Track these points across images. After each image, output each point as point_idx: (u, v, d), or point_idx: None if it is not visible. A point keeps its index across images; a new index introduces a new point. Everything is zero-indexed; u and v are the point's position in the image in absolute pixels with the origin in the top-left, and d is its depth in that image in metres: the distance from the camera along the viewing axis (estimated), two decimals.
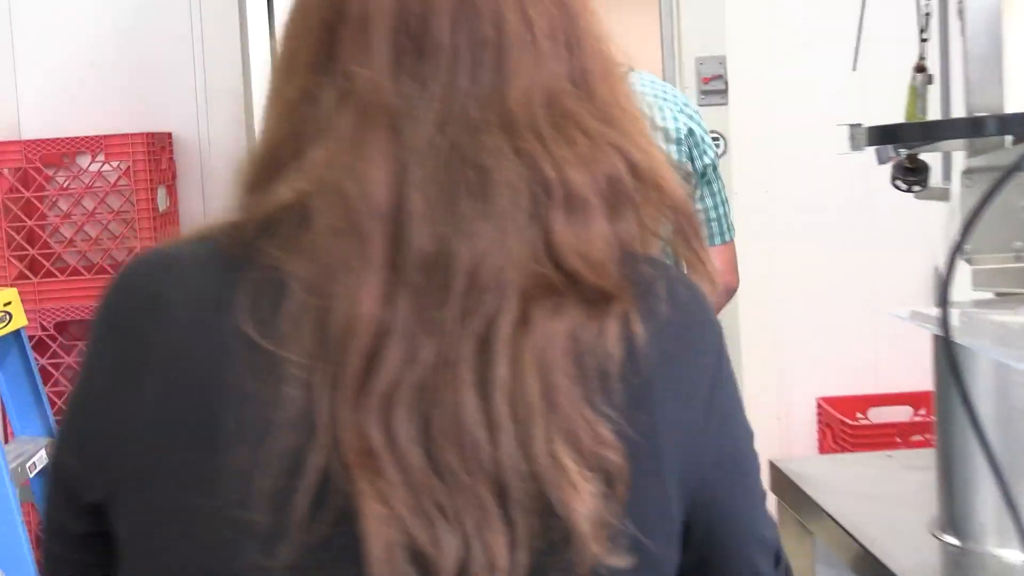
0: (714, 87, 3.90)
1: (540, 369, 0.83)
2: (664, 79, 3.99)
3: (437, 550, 0.81)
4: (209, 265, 0.90)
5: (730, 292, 2.59)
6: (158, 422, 0.87)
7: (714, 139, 3.69)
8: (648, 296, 0.90)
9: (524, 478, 0.82)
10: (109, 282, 0.95)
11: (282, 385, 0.83)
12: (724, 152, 3.90)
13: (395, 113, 0.88)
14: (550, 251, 0.86)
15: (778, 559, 0.98)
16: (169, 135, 3.82)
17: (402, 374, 0.83)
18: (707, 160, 2.50)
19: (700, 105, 3.88)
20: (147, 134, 3.58)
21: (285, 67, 0.96)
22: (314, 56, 0.93)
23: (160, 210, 3.64)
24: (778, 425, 3.92)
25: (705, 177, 2.50)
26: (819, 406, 3.92)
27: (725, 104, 3.91)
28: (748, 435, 0.97)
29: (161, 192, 3.68)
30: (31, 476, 2.91)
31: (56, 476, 1.00)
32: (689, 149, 2.46)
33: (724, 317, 2.41)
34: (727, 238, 2.59)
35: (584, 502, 0.82)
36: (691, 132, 2.46)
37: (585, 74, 0.93)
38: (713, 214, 2.54)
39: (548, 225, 0.87)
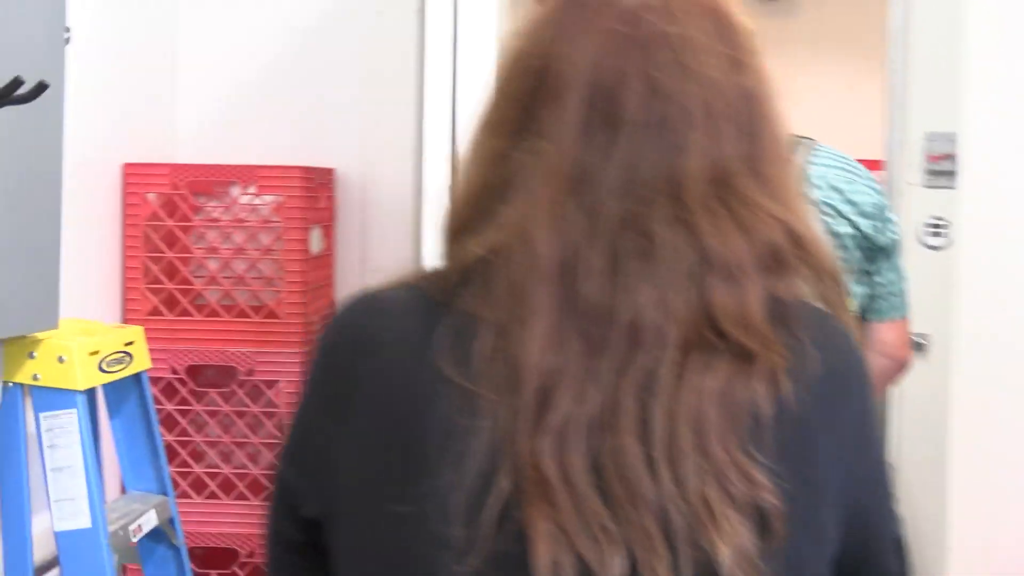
0: (942, 167, 3.42)
1: (693, 419, 0.92)
2: (887, 154, 3.53)
3: (603, 569, 0.89)
4: (415, 310, 1.00)
5: (903, 367, 2.63)
6: (369, 449, 0.98)
7: (936, 225, 3.22)
8: (798, 347, 0.97)
9: (683, 513, 0.90)
10: (329, 320, 1.08)
11: (475, 418, 0.94)
12: (949, 240, 3.42)
13: (578, 179, 0.96)
14: (706, 312, 0.95)
15: (902, 550, 1.08)
16: (331, 171, 3.49)
17: (572, 413, 0.92)
18: (893, 236, 2.49)
19: (926, 187, 3.42)
20: (304, 168, 3.25)
21: (489, 124, 1.05)
22: (514, 117, 1.02)
23: (313, 251, 3.30)
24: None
25: (888, 252, 2.49)
26: None
27: (952, 188, 3.43)
28: (882, 443, 1.10)
29: (316, 232, 3.35)
30: (137, 538, 2.56)
31: (278, 488, 1.12)
32: (880, 223, 2.42)
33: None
34: (904, 314, 2.61)
35: (728, 540, 0.89)
36: (880, 207, 2.44)
37: (758, 158, 1.00)
38: (895, 288, 2.54)
39: (705, 289, 0.95)
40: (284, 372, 3.20)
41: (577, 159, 0.98)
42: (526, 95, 1.02)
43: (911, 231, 3.41)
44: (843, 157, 2.46)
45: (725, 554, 0.90)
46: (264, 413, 3.26)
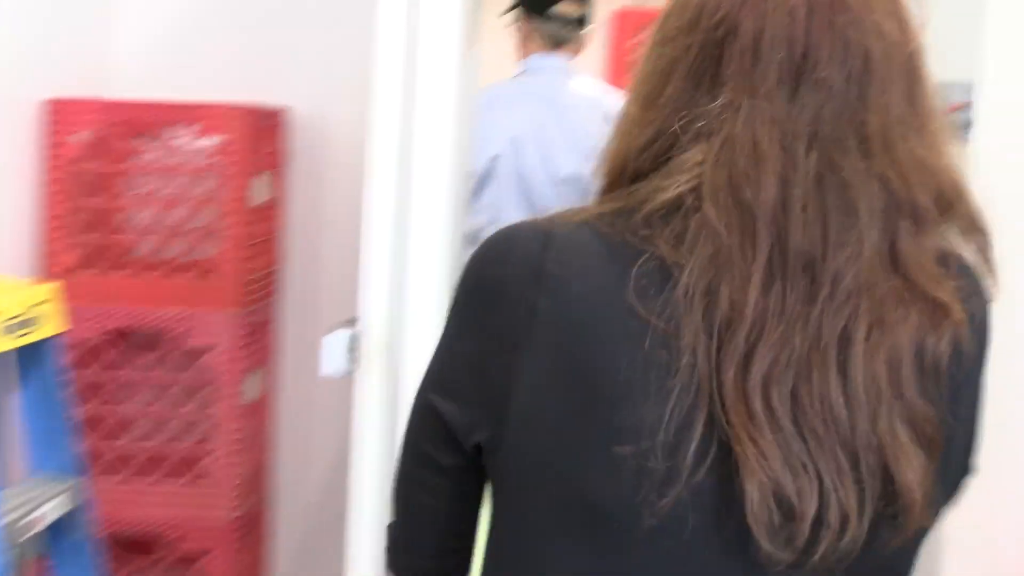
0: (956, 119, 3.09)
1: (890, 363, 1.00)
2: None
3: (800, 499, 0.96)
4: (598, 250, 1.03)
5: None
6: (552, 378, 1.02)
7: None
8: (969, 301, 1.06)
9: (873, 449, 0.99)
10: (483, 251, 1.11)
11: (674, 356, 0.98)
12: None
13: (781, 130, 1.01)
14: (896, 262, 1.02)
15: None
16: (280, 112, 3.15)
17: (779, 356, 0.98)
18: None
19: None
20: (249, 108, 2.90)
21: (660, 71, 1.08)
22: (697, 66, 1.05)
23: (256, 200, 2.97)
24: None
25: None
26: None
27: (966, 142, 3.10)
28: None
29: (262, 180, 3.01)
30: (38, 528, 2.25)
31: (428, 417, 1.17)
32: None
33: None
34: None
35: (916, 474, 1.00)
36: None
37: (921, 114, 1.06)
38: None
39: (896, 239, 1.02)
40: (222, 336, 2.87)
41: (776, 111, 1.01)
42: (714, 46, 1.05)
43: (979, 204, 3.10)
44: None
45: (916, 486, 0.99)
46: (199, 382, 2.94)
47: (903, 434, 1.00)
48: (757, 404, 0.97)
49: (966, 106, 3.12)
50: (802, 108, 1.02)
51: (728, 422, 0.97)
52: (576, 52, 3.21)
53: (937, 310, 1.02)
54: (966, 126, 3.11)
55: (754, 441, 0.96)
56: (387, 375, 2.18)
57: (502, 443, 1.08)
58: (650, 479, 0.98)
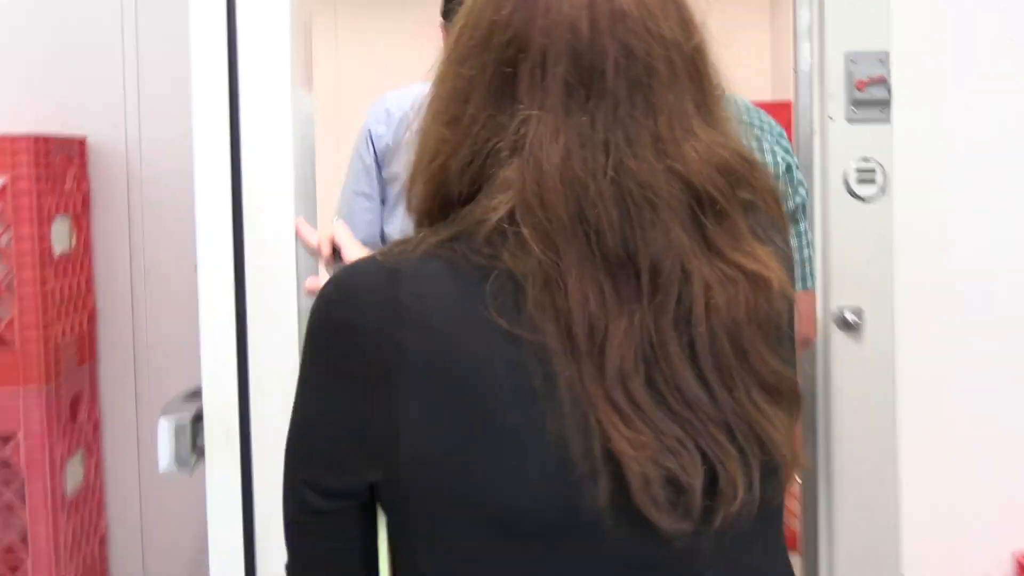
0: (871, 95, 2.70)
1: (730, 337, 1.06)
2: (797, 86, 2.80)
3: (687, 475, 1.02)
4: (447, 275, 1.06)
5: (807, 344, 2.50)
6: (436, 410, 1.03)
7: (869, 170, 2.51)
8: (786, 262, 1.16)
9: (741, 417, 1.06)
10: (326, 297, 1.10)
11: (545, 366, 1.02)
12: (883, 188, 2.70)
13: (578, 141, 1.05)
14: (709, 246, 1.07)
15: None
16: (79, 142, 2.60)
17: (626, 351, 1.03)
18: (799, 199, 2.42)
19: (850, 121, 2.70)
20: (36, 138, 2.36)
21: (460, 90, 1.11)
22: (495, 85, 1.09)
23: (58, 250, 2.42)
24: None
25: (794, 217, 2.42)
26: (1020, 565, 2.71)
27: (887, 122, 2.71)
28: None
29: (61, 224, 2.47)
30: None
31: (305, 499, 1.12)
32: (786, 187, 2.42)
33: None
34: (808, 285, 2.51)
35: (780, 432, 1.07)
36: (788, 168, 2.38)
37: (707, 103, 1.12)
38: (797, 256, 2.47)
39: (703, 224, 1.07)
40: (26, 418, 2.32)
41: (570, 124, 1.06)
42: (505, 64, 1.08)
43: (835, 178, 2.70)
44: (749, 109, 2.39)
45: (784, 445, 1.08)
46: (4, 475, 2.37)
47: (760, 399, 1.07)
48: (620, 398, 1.02)
49: (880, 80, 2.75)
50: (594, 118, 1.06)
51: (598, 420, 1.01)
52: None
53: (759, 281, 1.08)
54: (883, 103, 2.74)
55: (624, 434, 1.01)
56: (242, 463, 1.68)
57: (398, 482, 1.07)
58: (552, 479, 1.01)
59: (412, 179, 1.15)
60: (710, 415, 1.04)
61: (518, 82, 1.08)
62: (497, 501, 1.03)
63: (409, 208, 1.16)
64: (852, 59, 2.68)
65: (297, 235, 1.76)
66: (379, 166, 3.22)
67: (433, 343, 1.03)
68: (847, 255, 2.73)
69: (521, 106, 1.07)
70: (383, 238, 3.32)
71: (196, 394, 1.74)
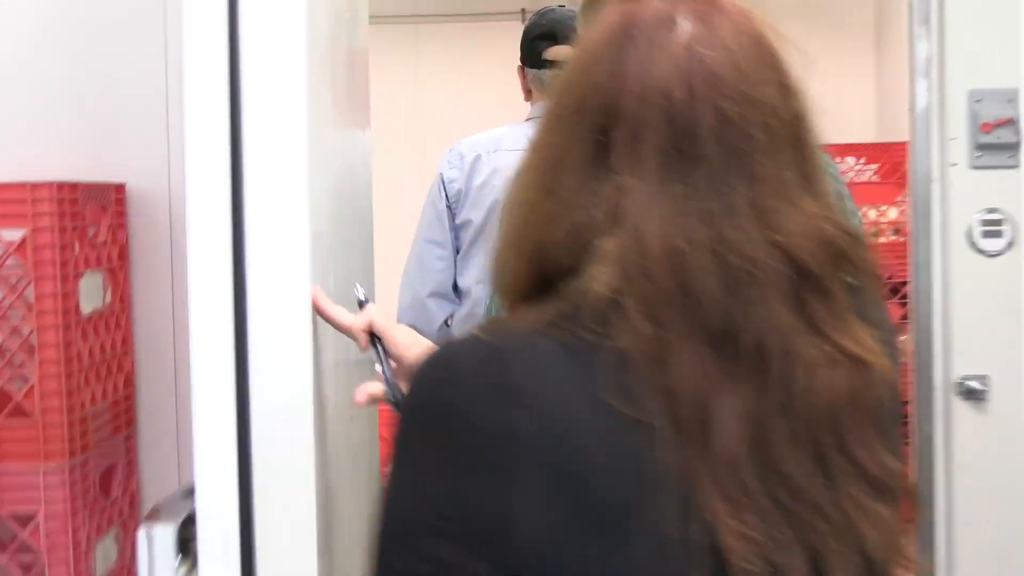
0: (998, 139, 2.40)
1: (831, 422, 1.02)
2: (912, 128, 2.50)
3: (792, 571, 0.98)
4: (553, 355, 1.02)
5: None
6: (549, 502, 0.97)
7: (996, 221, 2.22)
8: (888, 344, 1.11)
9: (841, 512, 1.01)
10: (427, 377, 1.05)
11: (657, 450, 0.98)
12: (1011, 242, 2.39)
13: (670, 211, 1.02)
14: (811, 325, 1.03)
15: None
16: (116, 189, 2.38)
17: (734, 432, 0.99)
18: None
19: (975, 167, 2.39)
20: (61, 184, 2.13)
21: (554, 159, 1.09)
22: (588, 154, 1.06)
23: (87, 309, 2.19)
24: None
25: None
26: None
27: (1016, 167, 2.41)
28: None
29: (92, 280, 2.24)
30: None
31: (403, 557, 1.04)
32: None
33: None
34: None
35: (881, 530, 1.02)
36: (840, 197, 2.20)
37: (807, 172, 1.08)
38: None
39: (805, 303, 1.03)
40: (43, 501, 2.08)
41: (667, 192, 1.03)
42: (598, 131, 1.06)
43: (957, 231, 2.40)
44: None
45: (875, 538, 1.02)
46: (24, 563, 2.14)
47: (861, 493, 1.03)
48: (728, 486, 0.98)
49: (1008, 122, 2.44)
50: (691, 186, 1.03)
51: (704, 509, 0.97)
52: None
53: (862, 366, 1.05)
54: (1012, 147, 2.43)
55: (732, 526, 0.97)
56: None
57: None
58: (658, 571, 0.98)
59: (503, 253, 1.13)
60: (814, 507, 1.01)
61: (612, 149, 1.05)
62: None
63: (498, 284, 1.13)
64: (977, 98, 2.38)
65: (318, 311, 1.52)
66: (452, 212, 3.01)
67: (548, 427, 0.99)
68: (971, 317, 2.44)
69: (616, 175, 1.04)
70: (456, 289, 3.10)
71: (190, 492, 1.49)
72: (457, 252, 3.08)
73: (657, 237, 1.02)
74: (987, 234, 2.39)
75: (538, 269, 1.08)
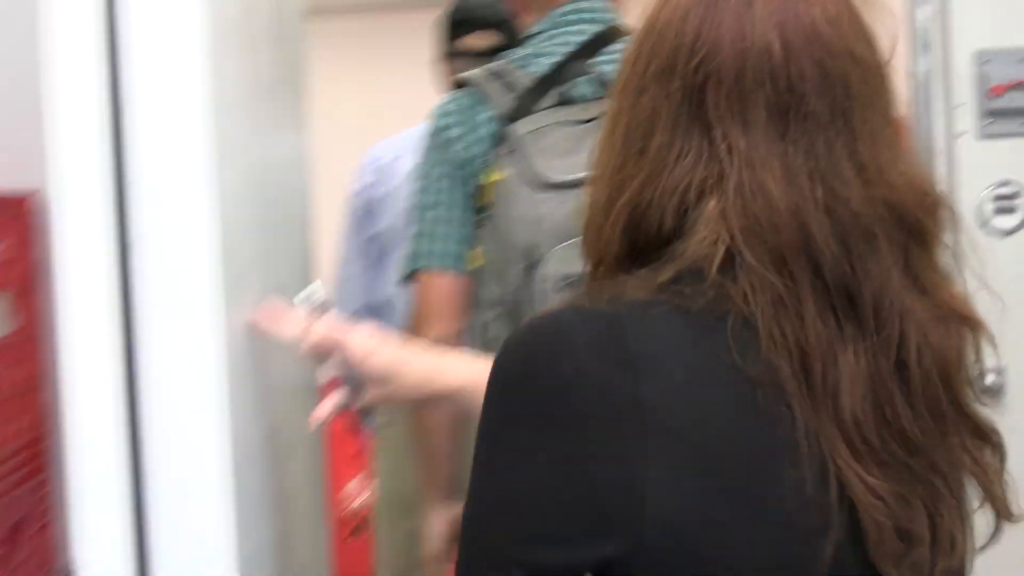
0: (1010, 103, 2.15)
1: (943, 378, 1.03)
2: (914, 96, 2.25)
3: (917, 526, 1.00)
4: (672, 321, 1.00)
5: None
6: (679, 472, 0.96)
7: (1010, 196, 2.01)
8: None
9: (954, 466, 1.04)
10: (528, 346, 1.02)
11: (786, 411, 0.98)
12: (1023, 222, 2.14)
13: (783, 168, 1.01)
14: (916, 283, 1.04)
15: None
16: (21, 201, 2.10)
17: (855, 391, 0.99)
18: None
19: (985, 136, 2.14)
20: None
21: (642, 122, 1.06)
22: (684, 114, 1.04)
23: None
24: None
25: None
26: None
27: None
28: None
29: None
30: None
31: (515, 543, 1.01)
32: None
33: None
34: None
35: (994, 484, 1.07)
36: None
37: (897, 122, 1.08)
38: None
39: (910, 261, 1.04)
40: None
41: (772, 150, 1.02)
42: (695, 90, 1.04)
43: (967, 208, 2.16)
44: None
45: (994, 490, 1.07)
46: None
47: (972, 446, 1.05)
48: (857, 443, 0.98)
49: (1021, 83, 2.19)
50: (796, 144, 1.02)
51: (836, 464, 0.97)
52: None
53: (966, 323, 1.07)
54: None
55: (865, 481, 0.97)
56: None
57: (642, 554, 0.98)
58: (792, 534, 0.98)
59: (593, 222, 1.10)
60: (930, 462, 1.02)
61: (710, 108, 1.04)
62: (751, 564, 0.98)
63: (590, 255, 1.11)
64: (985, 59, 2.13)
65: (264, 328, 1.31)
66: (365, 224, 2.87)
67: (675, 395, 0.98)
68: (985, 304, 2.18)
69: (717, 133, 1.03)
70: (382, 304, 2.84)
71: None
72: (381, 261, 2.88)
73: (775, 195, 1.00)
74: (1000, 210, 2.14)
75: (633, 236, 1.06)
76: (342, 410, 1.40)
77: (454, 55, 2.93)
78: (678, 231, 1.04)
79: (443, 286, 2.06)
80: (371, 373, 1.42)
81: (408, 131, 2.96)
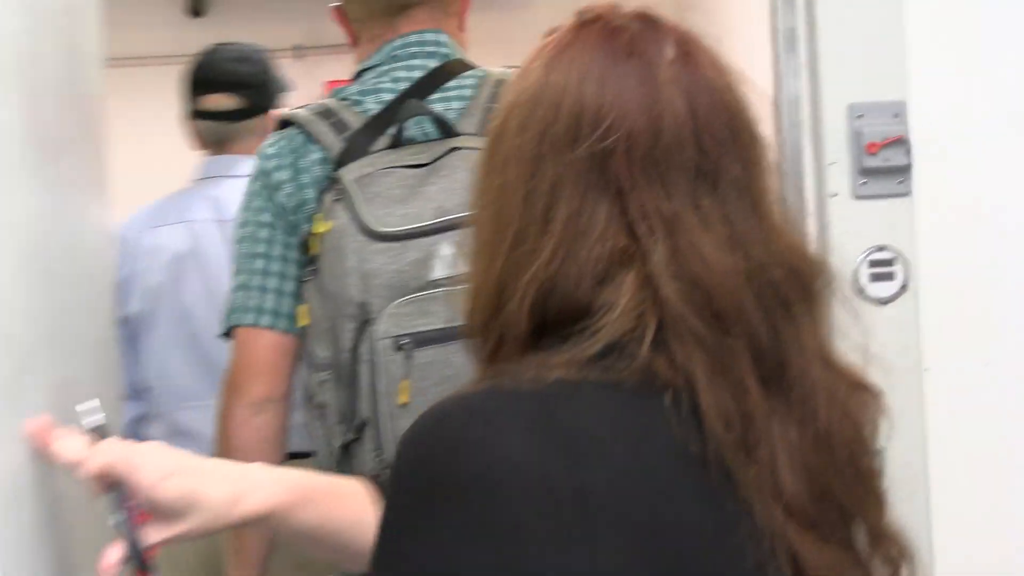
0: (886, 161, 1.99)
1: (858, 451, 1.02)
2: (781, 153, 2.08)
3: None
4: (603, 398, 0.95)
5: None
6: (626, 564, 0.91)
7: (887, 261, 1.87)
8: None
9: (877, 540, 1.03)
10: (446, 432, 0.94)
11: (723, 485, 0.94)
12: (904, 284, 2.00)
13: (710, 234, 0.98)
14: (824, 353, 1.02)
15: None
16: None
17: (794, 461, 0.97)
18: None
19: (858, 197, 1.99)
20: None
21: (545, 191, 1.00)
22: (593, 179, 0.99)
23: None
24: None
25: None
26: None
27: (907, 194, 2.01)
28: None
29: None
30: None
31: None
32: None
33: None
34: None
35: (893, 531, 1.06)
36: None
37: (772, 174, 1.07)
38: None
39: (817, 331, 1.02)
40: None
41: (691, 213, 0.99)
42: (605, 156, 1.00)
43: (840, 274, 2.00)
44: None
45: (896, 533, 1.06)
46: None
47: (882, 502, 1.04)
48: (800, 514, 0.96)
49: (898, 140, 2.02)
50: (715, 208, 1.00)
51: (786, 539, 0.94)
52: (249, 149, 2.62)
53: (868, 394, 1.06)
54: (902, 171, 2.02)
55: (813, 553, 0.95)
56: None
57: None
58: None
59: (483, 304, 1.03)
60: (842, 512, 1.00)
61: (622, 175, 0.99)
62: None
63: (487, 336, 1.03)
64: (857, 113, 1.97)
65: (37, 448, 1.10)
66: (117, 304, 2.56)
67: (617, 478, 0.92)
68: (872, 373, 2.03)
69: (632, 200, 0.99)
70: (143, 389, 2.67)
71: None
72: (133, 347, 2.65)
73: (711, 257, 0.98)
74: (876, 277, 1.98)
75: (542, 313, 1.00)
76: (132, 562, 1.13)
77: (196, 114, 2.77)
78: (593, 305, 0.98)
79: (265, 345, 1.85)
80: (161, 505, 1.14)
81: (156, 203, 2.78)
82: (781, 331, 0.99)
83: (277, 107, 2.74)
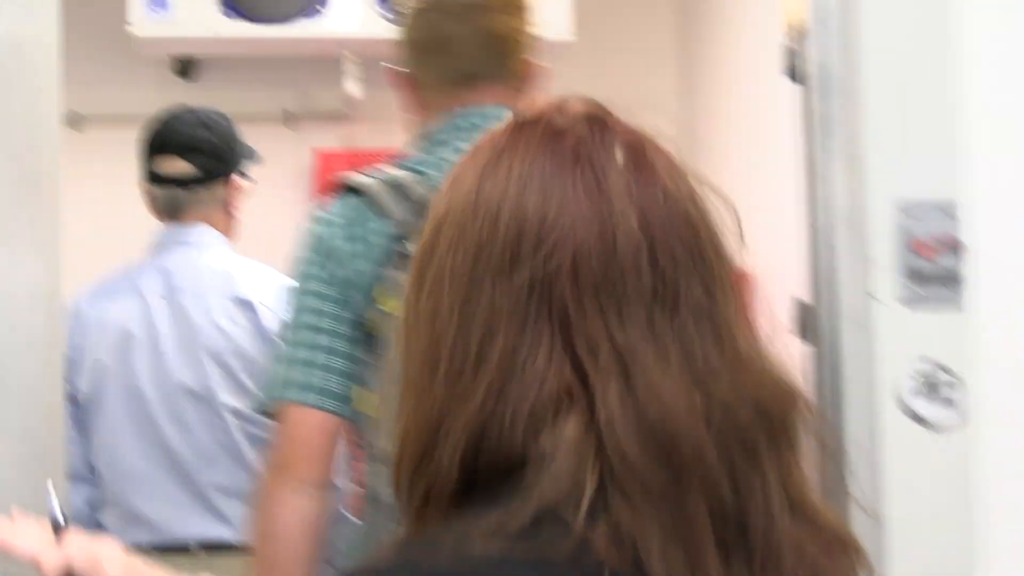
0: (936, 268, 1.80)
1: None
2: (815, 242, 1.90)
3: None
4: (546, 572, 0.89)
5: None
6: None
7: (932, 383, 1.70)
8: None
9: None
10: None
11: None
12: (960, 409, 1.81)
13: (669, 370, 0.91)
14: (792, 503, 0.93)
15: None
16: None
17: None
18: None
19: (906, 306, 1.79)
20: None
21: (481, 323, 0.93)
22: (528, 311, 0.92)
23: None
24: None
25: None
26: None
27: (958, 311, 1.81)
28: None
29: None
30: None
31: None
32: None
33: None
34: None
35: None
36: None
37: (742, 295, 0.99)
38: None
39: (788, 476, 0.93)
40: None
41: (659, 349, 0.91)
42: (549, 281, 0.91)
43: (883, 392, 1.79)
44: None
45: None
46: None
47: None
48: None
49: (951, 242, 1.81)
50: (672, 339, 0.91)
51: None
52: (206, 217, 2.65)
53: (848, 550, 0.96)
54: (955, 279, 1.81)
55: None
56: None
57: None
58: None
59: (409, 452, 0.93)
60: None
61: (569, 301, 0.90)
62: None
63: (412, 488, 0.92)
64: (907, 211, 1.77)
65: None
66: (70, 385, 2.51)
67: None
68: (908, 512, 1.88)
69: (578, 331, 0.90)
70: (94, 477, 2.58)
71: None
72: (83, 431, 2.57)
73: (668, 398, 0.89)
74: (928, 397, 1.78)
75: (472, 465, 0.91)
76: None
77: (151, 178, 2.69)
78: (529, 454, 0.89)
79: (313, 425, 1.74)
80: None
81: (107, 275, 2.68)
82: (744, 483, 0.91)
83: (240, 175, 2.68)
